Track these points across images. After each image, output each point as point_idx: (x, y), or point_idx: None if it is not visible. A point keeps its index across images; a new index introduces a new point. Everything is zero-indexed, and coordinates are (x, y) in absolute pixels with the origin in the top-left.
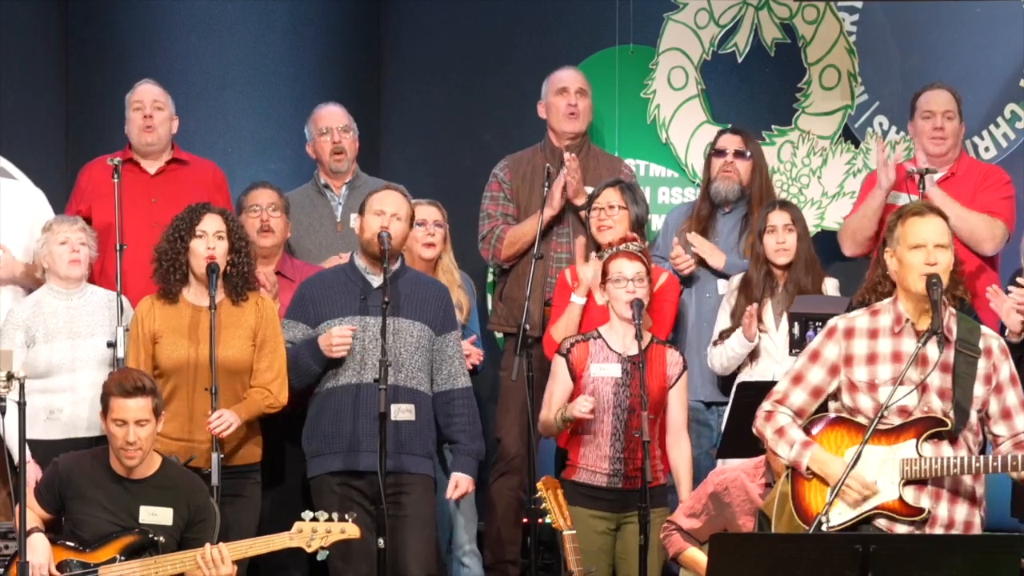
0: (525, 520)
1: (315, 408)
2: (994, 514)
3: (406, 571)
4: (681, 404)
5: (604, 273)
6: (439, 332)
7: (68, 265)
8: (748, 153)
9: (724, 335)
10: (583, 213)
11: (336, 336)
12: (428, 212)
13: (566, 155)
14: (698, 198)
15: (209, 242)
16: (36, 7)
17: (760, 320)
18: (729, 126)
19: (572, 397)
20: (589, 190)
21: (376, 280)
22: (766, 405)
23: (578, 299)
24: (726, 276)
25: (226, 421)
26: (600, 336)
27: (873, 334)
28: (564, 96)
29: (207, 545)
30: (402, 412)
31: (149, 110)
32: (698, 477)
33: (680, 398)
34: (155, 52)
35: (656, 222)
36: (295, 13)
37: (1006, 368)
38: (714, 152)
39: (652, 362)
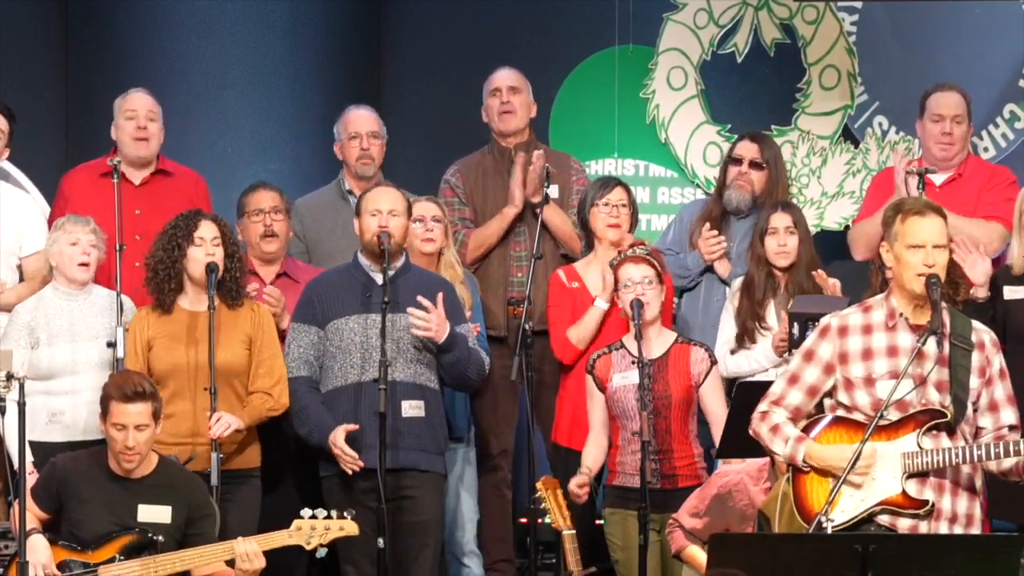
0: (525, 520)
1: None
2: None
3: (411, 573)
4: (717, 397)
5: (616, 281)
6: None
7: (77, 268)
8: (764, 163)
9: (740, 340)
10: (538, 211)
11: (343, 451)
12: (426, 208)
13: (535, 153)
14: (711, 200)
15: (208, 248)
16: (36, 7)
17: (762, 321)
18: (728, 126)
19: (607, 409)
20: (552, 189)
21: (380, 278)
22: (762, 406)
23: (601, 304)
24: (728, 284)
25: (225, 423)
26: (623, 346)
27: (867, 330)
28: (497, 96)
29: (239, 539)
30: (411, 408)
31: (143, 121)
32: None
33: (714, 392)
34: (155, 52)
35: (656, 222)
36: (295, 13)
37: (997, 362)
38: (730, 159)
39: (675, 362)
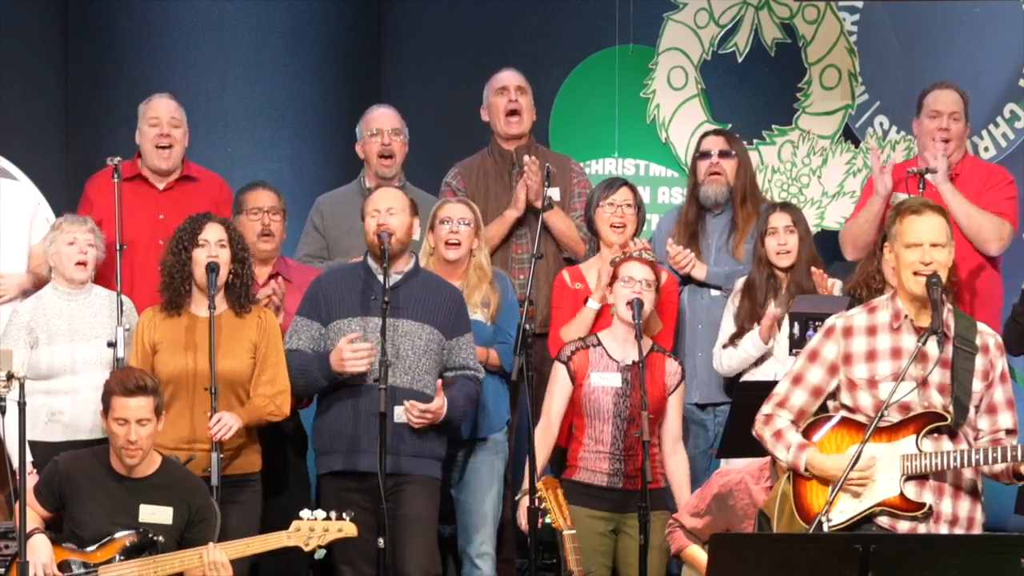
0: None
1: (324, 407)
2: (998, 511)
3: (406, 573)
4: (678, 413)
5: (614, 276)
6: (450, 336)
7: (74, 267)
8: (733, 152)
9: (735, 338)
10: (545, 215)
11: (348, 351)
12: (454, 210)
13: (525, 158)
14: (684, 202)
15: (211, 251)
16: (36, 7)
17: (762, 321)
18: (714, 127)
19: (572, 403)
20: (553, 191)
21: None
22: (766, 408)
23: (593, 304)
24: (713, 286)
25: (226, 424)
26: (600, 343)
27: (871, 331)
28: (504, 95)
29: (209, 546)
30: (405, 414)
31: (166, 128)
32: (696, 478)
33: (677, 407)
34: (155, 52)
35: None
36: (295, 13)
37: (1000, 365)
38: (699, 155)
39: (651, 370)
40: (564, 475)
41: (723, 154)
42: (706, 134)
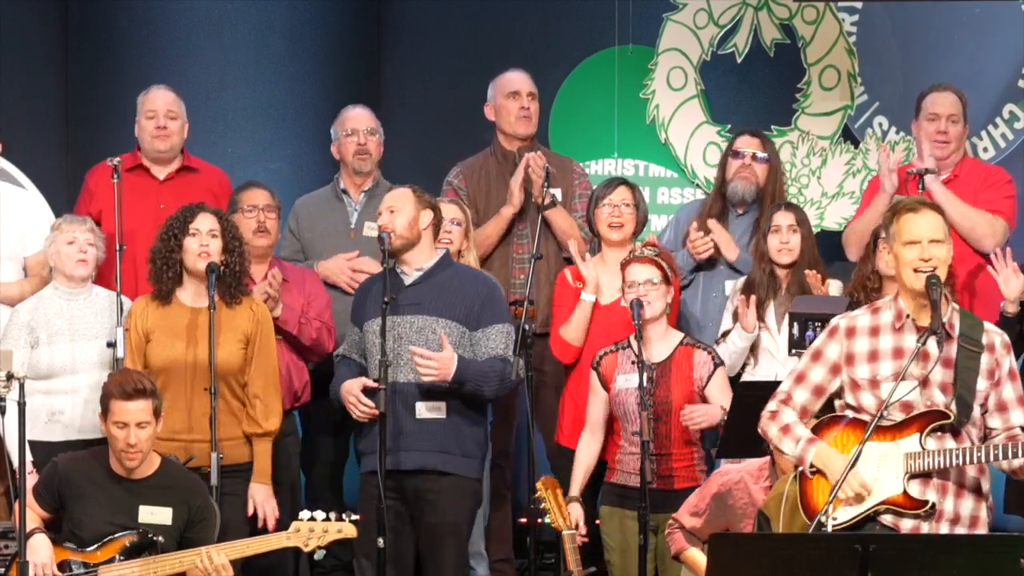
0: (525, 520)
1: None
2: (997, 512)
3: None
4: (725, 397)
5: (623, 280)
6: (474, 328)
7: (75, 265)
8: (767, 156)
9: (726, 334)
10: (547, 212)
11: (353, 397)
12: (446, 210)
13: (528, 155)
14: (710, 197)
15: (203, 240)
16: (36, 7)
17: (762, 320)
18: (728, 126)
19: (608, 407)
20: (556, 191)
21: (407, 279)
22: (771, 405)
23: (588, 296)
24: (736, 270)
25: (272, 512)
26: (629, 345)
27: (874, 331)
28: (516, 99)
29: (208, 550)
30: (428, 410)
31: (163, 120)
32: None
33: (721, 392)
34: (155, 52)
35: (656, 223)
36: (295, 13)
37: (1007, 363)
38: (732, 154)
39: (678, 367)
40: (605, 478)
41: (756, 158)
42: (741, 133)
